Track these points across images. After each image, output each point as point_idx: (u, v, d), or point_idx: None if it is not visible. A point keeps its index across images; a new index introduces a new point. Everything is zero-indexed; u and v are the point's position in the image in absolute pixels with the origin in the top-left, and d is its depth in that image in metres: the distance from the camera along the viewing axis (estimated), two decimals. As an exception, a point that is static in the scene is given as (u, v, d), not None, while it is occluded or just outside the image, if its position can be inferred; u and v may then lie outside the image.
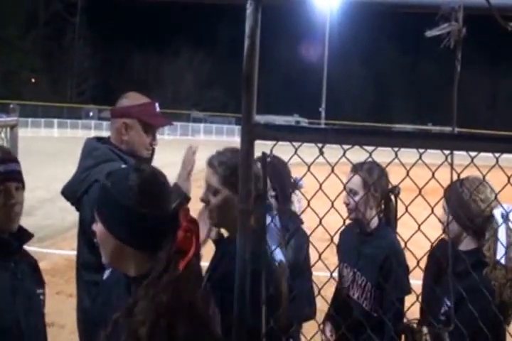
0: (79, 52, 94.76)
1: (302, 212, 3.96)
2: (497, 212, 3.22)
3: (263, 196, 1.95)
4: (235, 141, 74.83)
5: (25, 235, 3.16)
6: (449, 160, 1.89)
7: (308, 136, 1.82)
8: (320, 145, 1.84)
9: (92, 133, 69.76)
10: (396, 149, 1.81)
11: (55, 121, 70.59)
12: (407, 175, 1.90)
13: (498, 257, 3.14)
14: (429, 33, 1.79)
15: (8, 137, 4.30)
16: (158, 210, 2.13)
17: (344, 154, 1.82)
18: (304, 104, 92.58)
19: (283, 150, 1.81)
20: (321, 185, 1.90)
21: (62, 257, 11.34)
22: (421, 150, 1.84)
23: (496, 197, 3.22)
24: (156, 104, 4.18)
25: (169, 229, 2.09)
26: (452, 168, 1.88)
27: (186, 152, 4.11)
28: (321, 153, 1.86)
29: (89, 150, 4.08)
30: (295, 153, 1.88)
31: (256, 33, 1.73)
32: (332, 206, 1.90)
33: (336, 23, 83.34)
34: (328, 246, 2.17)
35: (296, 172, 4.21)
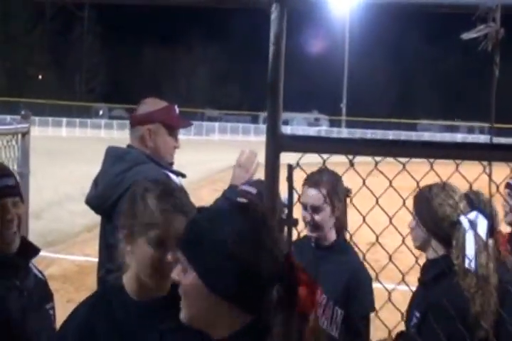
0: (88, 48, 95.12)
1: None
2: (464, 218, 3.20)
3: (289, 210, 1.92)
4: (251, 140, 74.98)
5: (30, 250, 3.14)
6: (487, 171, 1.86)
7: (338, 147, 1.79)
8: (350, 156, 1.82)
9: (102, 133, 70.15)
10: (432, 160, 1.78)
11: (64, 120, 70.89)
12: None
13: (466, 265, 3.13)
14: (466, 36, 1.77)
15: (19, 144, 4.30)
16: (270, 260, 1.84)
17: (376, 166, 1.80)
18: (324, 100, 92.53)
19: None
20: (352, 197, 1.87)
21: (73, 263, 11.29)
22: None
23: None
24: (175, 107, 4.29)
25: (276, 283, 1.84)
26: (491, 180, 1.85)
27: (246, 155, 4.09)
28: (352, 164, 1.83)
29: (119, 154, 4.16)
30: (323, 164, 1.86)
31: (281, 39, 1.69)
32: (364, 220, 1.88)
33: (358, 16, 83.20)
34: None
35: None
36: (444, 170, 1.99)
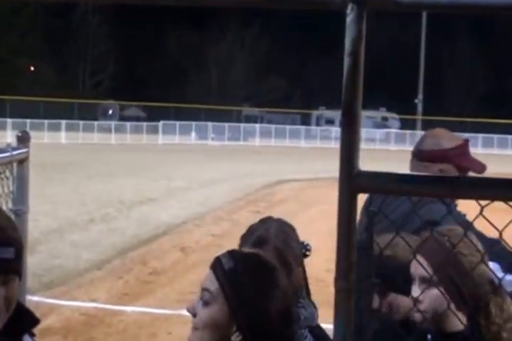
0: (93, 31, 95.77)
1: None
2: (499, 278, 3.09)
3: (369, 270, 1.89)
4: (300, 146, 74.80)
5: (24, 323, 3.12)
6: None
7: (432, 188, 1.74)
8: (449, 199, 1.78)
9: (113, 138, 70.42)
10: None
11: (63, 122, 71.38)
12: None
13: None
14: None
15: (14, 175, 4.23)
16: None
17: (481, 212, 1.75)
18: (394, 95, 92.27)
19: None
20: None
21: (78, 311, 11.22)
22: None
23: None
24: (469, 144, 4.51)
25: None
26: None
27: None
28: (449, 210, 1.80)
29: None
30: (413, 208, 1.81)
31: (360, 49, 1.64)
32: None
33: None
34: None
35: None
36: None
